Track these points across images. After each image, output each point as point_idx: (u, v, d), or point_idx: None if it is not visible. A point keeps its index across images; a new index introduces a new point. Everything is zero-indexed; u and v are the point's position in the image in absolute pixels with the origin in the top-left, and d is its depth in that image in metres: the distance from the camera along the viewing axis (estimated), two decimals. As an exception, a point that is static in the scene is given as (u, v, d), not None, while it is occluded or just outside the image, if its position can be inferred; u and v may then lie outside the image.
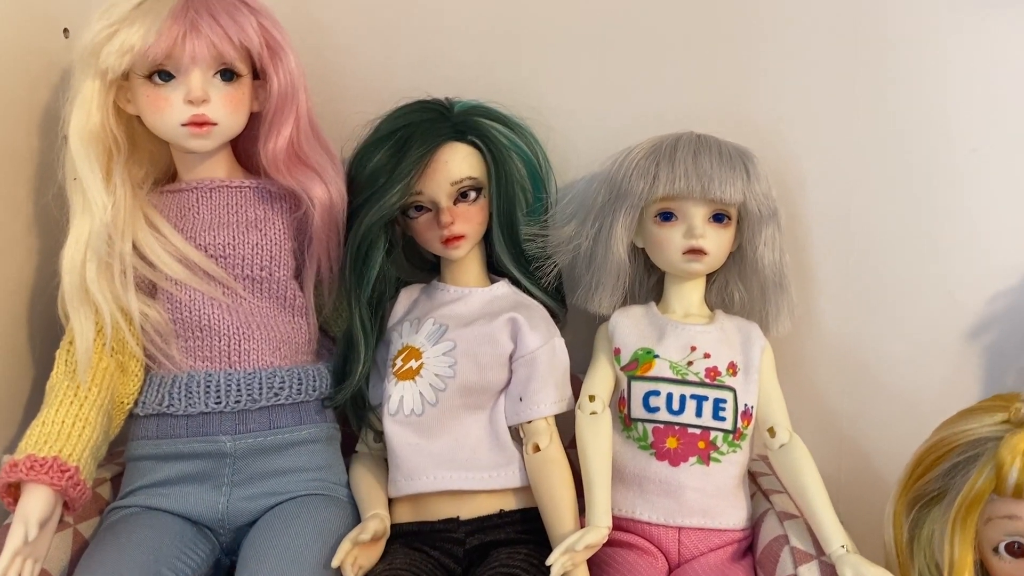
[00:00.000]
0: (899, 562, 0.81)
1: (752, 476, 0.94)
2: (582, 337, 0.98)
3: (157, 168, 0.93)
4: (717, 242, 0.91)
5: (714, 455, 0.88)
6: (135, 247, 0.87)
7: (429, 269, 1.00)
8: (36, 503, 0.79)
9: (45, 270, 0.93)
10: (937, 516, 0.79)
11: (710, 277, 0.96)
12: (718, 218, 0.91)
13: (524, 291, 0.96)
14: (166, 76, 0.86)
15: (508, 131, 0.96)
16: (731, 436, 0.89)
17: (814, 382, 1.06)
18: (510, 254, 0.95)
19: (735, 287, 0.96)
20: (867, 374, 1.05)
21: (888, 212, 1.03)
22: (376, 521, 0.85)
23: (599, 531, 0.83)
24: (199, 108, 0.86)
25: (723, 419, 0.89)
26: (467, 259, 0.95)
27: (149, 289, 0.89)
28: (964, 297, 1.04)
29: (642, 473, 0.89)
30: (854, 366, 1.05)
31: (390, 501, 0.91)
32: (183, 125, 0.86)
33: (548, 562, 0.80)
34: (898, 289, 1.04)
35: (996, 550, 0.77)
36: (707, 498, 0.88)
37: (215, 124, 0.87)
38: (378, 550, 0.86)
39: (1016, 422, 0.76)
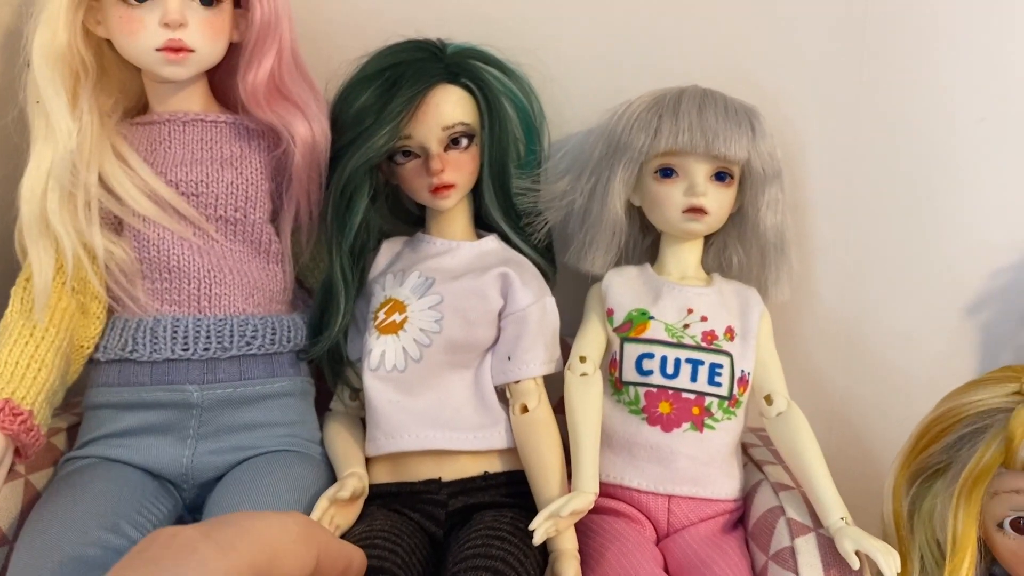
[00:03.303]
0: (898, 536, 0.79)
1: (743, 447, 0.91)
2: (572, 299, 0.94)
3: (127, 97, 0.87)
4: (718, 201, 0.87)
5: (708, 422, 0.85)
6: (101, 179, 0.81)
7: (413, 222, 0.95)
8: (-15, 447, 0.73)
9: (2, 200, 0.86)
10: (940, 490, 0.76)
11: (708, 239, 0.93)
12: (720, 176, 0.87)
13: (513, 247, 0.91)
14: None
15: (504, 77, 0.91)
16: (727, 403, 0.85)
17: (808, 354, 1.03)
18: (500, 207, 0.90)
19: (734, 250, 0.93)
20: (862, 348, 1.03)
21: (889, 184, 1.00)
22: (355, 479, 0.80)
23: (585, 496, 0.79)
24: (175, 32, 0.80)
25: (719, 385, 0.85)
26: (455, 211, 0.90)
27: (115, 226, 0.83)
28: (963, 273, 1.01)
29: (632, 439, 0.85)
30: (849, 339, 1.03)
31: (367, 461, 0.86)
32: (157, 50, 0.80)
33: (531, 527, 0.76)
34: (897, 262, 1.02)
35: (1001, 526, 0.75)
36: (699, 466, 0.84)
37: (192, 51, 0.81)
38: (356, 510, 0.81)
39: (1027, 394, 0.74)
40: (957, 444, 0.76)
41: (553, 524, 0.76)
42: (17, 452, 0.76)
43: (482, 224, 0.93)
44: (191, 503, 0.84)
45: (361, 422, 0.88)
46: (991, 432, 0.73)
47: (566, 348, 0.89)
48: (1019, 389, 0.74)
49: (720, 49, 0.99)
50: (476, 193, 0.91)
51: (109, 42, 0.83)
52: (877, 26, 0.98)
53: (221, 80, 0.88)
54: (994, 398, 0.75)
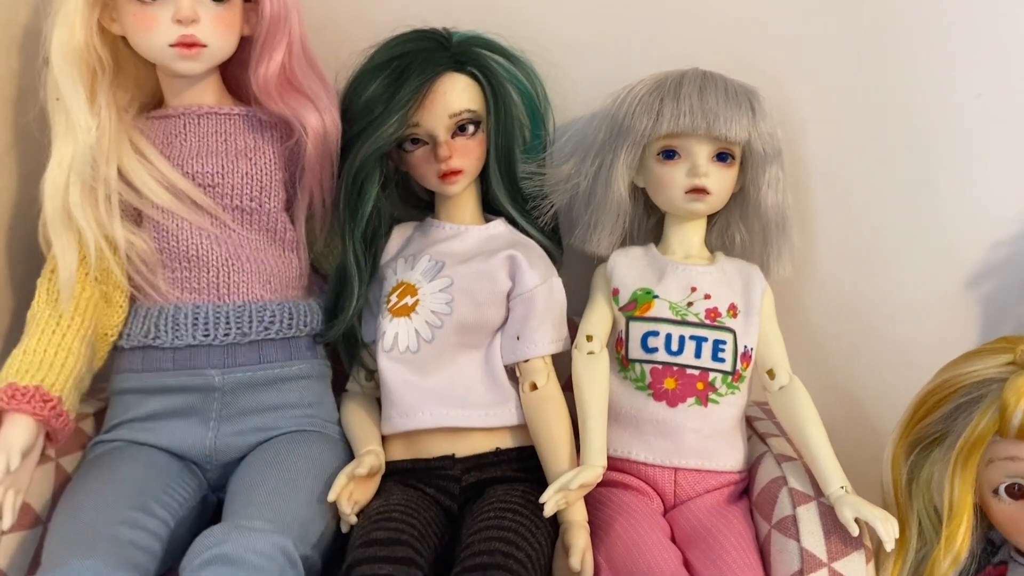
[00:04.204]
0: (897, 504, 0.81)
1: (748, 421, 0.93)
2: (579, 279, 0.96)
3: (143, 92, 0.90)
4: (720, 182, 0.89)
5: (712, 396, 0.87)
6: (120, 173, 0.84)
7: (423, 208, 0.98)
8: (18, 432, 0.76)
9: (26, 195, 0.89)
10: (938, 458, 0.79)
11: (711, 219, 0.95)
12: (722, 157, 0.89)
13: (520, 230, 0.94)
14: None
15: (508, 64, 0.93)
16: (730, 378, 0.88)
17: (810, 328, 1.05)
18: (507, 192, 0.93)
19: (736, 229, 0.95)
20: (864, 322, 1.05)
21: (889, 159, 1.01)
22: (372, 456, 0.84)
23: (594, 470, 0.81)
24: (188, 28, 0.82)
25: (722, 360, 0.87)
26: (463, 196, 0.93)
27: (135, 217, 0.86)
28: (963, 246, 1.03)
29: (639, 414, 0.87)
30: (851, 313, 1.05)
31: (384, 439, 0.89)
32: (171, 46, 0.83)
33: (542, 500, 0.79)
34: (897, 236, 1.03)
35: (996, 492, 0.77)
36: (704, 439, 0.87)
37: (204, 46, 0.83)
38: (373, 485, 0.84)
39: (1021, 363, 0.76)
40: (954, 414, 0.78)
41: (563, 496, 0.79)
42: (48, 437, 0.80)
43: (490, 208, 0.95)
44: (215, 483, 0.87)
45: (377, 402, 0.91)
46: (986, 401, 0.76)
47: (573, 327, 0.92)
48: (1013, 359, 0.76)
49: (721, 31, 1.00)
50: (483, 178, 0.94)
51: (124, 39, 0.85)
52: (875, 5, 0.99)
53: (234, 73, 0.91)
54: (989, 368, 0.77)
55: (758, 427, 0.93)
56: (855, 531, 0.77)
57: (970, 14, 0.98)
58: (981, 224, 1.02)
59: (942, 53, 0.99)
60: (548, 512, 0.78)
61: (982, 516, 0.80)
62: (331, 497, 0.79)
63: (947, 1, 0.98)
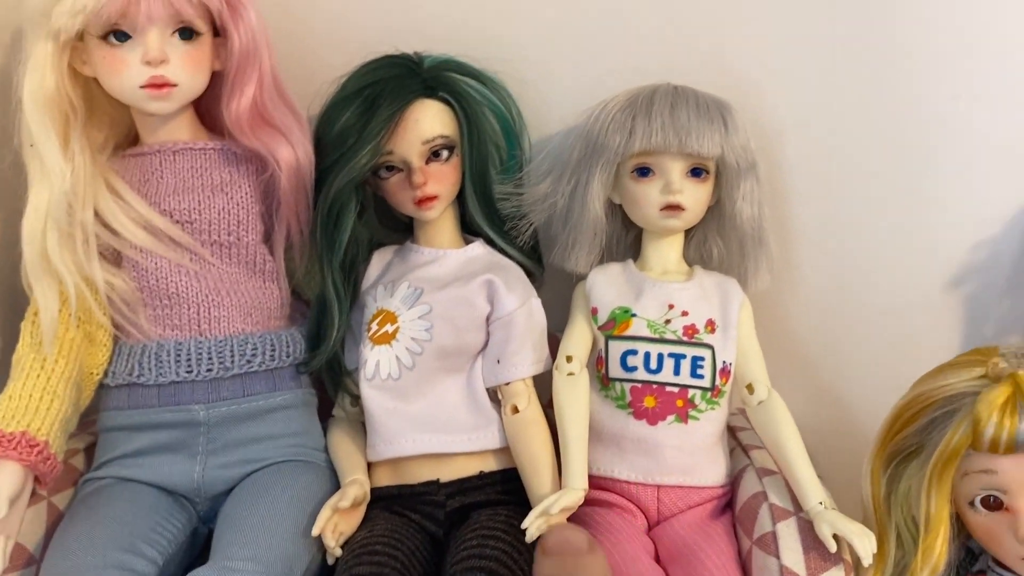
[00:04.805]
0: (876, 517, 0.82)
1: (732, 431, 0.94)
2: (561, 295, 0.96)
3: (118, 132, 0.90)
4: (695, 197, 0.90)
5: (692, 413, 0.88)
6: (97, 215, 0.84)
7: (403, 230, 0.98)
8: (5, 479, 0.78)
9: (6, 239, 0.90)
10: (914, 471, 0.79)
11: (688, 232, 0.95)
12: (696, 172, 0.90)
13: (500, 251, 0.94)
14: (122, 36, 0.82)
15: (480, 86, 0.94)
16: (709, 394, 0.88)
17: (793, 335, 1.05)
18: (484, 214, 0.93)
19: (713, 242, 0.95)
20: (847, 326, 1.05)
21: (869, 162, 1.01)
22: (356, 487, 0.85)
23: (575, 493, 0.82)
24: (158, 69, 0.83)
25: (701, 377, 0.88)
26: (441, 219, 0.93)
27: (114, 257, 0.87)
28: (944, 247, 1.03)
29: (620, 432, 0.88)
30: (833, 318, 1.05)
31: (369, 465, 0.90)
32: (142, 87, 0.83)
33: (523, 525, 0.80)
34: (878, 239, 1.03)
35: (972, 504, 0.78)
36: (685, 456, 0.88)
37: (175, 85, 0.84)
38: (358, 516, 0.86)
39: (993, 377, 0.76)
40: (928, 427, 0.78)
41: (545, 521, 0.80)
42: (37, 479, 0.81)
43: (469, 229, 0.96)
44: (205, 514, 0.88)
45: (363, 427, 0.92)
46: (959, 415, 0.76)
47: (556, 343, 0.92)
48: (986, 373, 0.77)
49: (696, 41, 0.99)
50: (461, 200, 0.94)
51: (97, 80, 0.85)
52: (848, 9, 0.98)
53: (208, 106, 0.91)
54: (962, 382, 0.77)
55: (742, 438, 0.94)
56: (833, 547, 0.78)
57: (947, 16, 0.98)
58: (960, 225, 1.02)
59: (919, 55, 0.99)
60: (530, 537, 0.79)
61: (961, 525, 0.80)
62: (315, 532, 0.80)
63: (923, 4, 0.98)
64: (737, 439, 0.94)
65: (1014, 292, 1.04)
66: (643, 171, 0.90)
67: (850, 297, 1.04)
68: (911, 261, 1.03)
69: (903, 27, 0.98)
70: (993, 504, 0.77)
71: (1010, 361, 0.77)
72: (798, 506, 0.82)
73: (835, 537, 0.78)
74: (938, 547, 0.78)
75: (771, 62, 1.00)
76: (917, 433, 0.79)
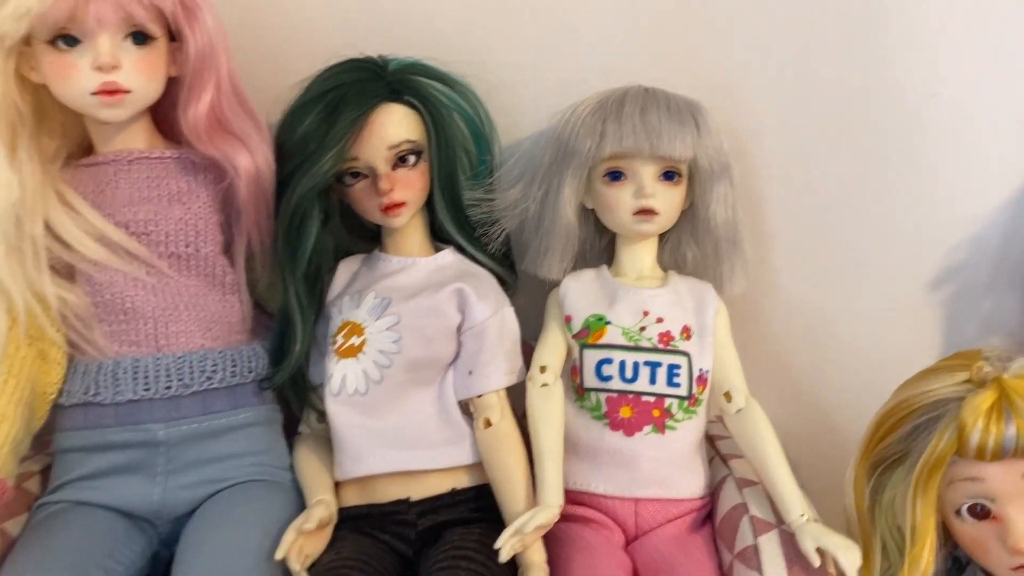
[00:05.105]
0: (860, 527, 0.79)
1: (710, 440, 0.92)
2: (535, 302, 0.94)
3: (70, 141, 0.87)
4: (668, 201, 0.87)
5: (669, 423, 0.85)
6: (48, 228, 0.81)
7: (370, 238, 0.95)
8: (-49, 507, 0.74)
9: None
10: (899, 480, 0.77)
11: (662, 237, 0.93)
12: (668, 176, 0.87)
13: (471, 259, 0.91)
14: (71, 41, 0.79)
15: (448, 89, 0.91)
16: (686, 402, 0.86)
17: (771, 340, 1.03)
18: (454, 220, 0.90)
19: (688, 246, 0.93)
20: (825, 330, 1.03)
21: (845, 163, 1.00)
22: (321, 508, 0.81)
23: (550, 510, 0.80)
24: (109, 75, 0.80)
25: (678, 385, 0.86)
26: (409, 227, 0.90)
27: (67, 272, 0.84)
28: (924, 248, 1.02)
29: (596, 444, 0.86)
30: (812, 322, 1.03)
31: (336, 484, 0.87)
32: (93, 94, 0.80)
33: (496, 545, 0.77)
34: (856, 241, 1.02)
35: (958, 512, 0.76)
36: (663, 467, 0.85)
37: (128, 91, 0.81)
38: (325, 538, 0.82)
39: (978, 381, 0.74)
40: (912, 434, 0.76)
41: (519, 540, 0.78)
42: (-13, 506, 0.78)
43: (439, 237, 0.93)
44: (166, 537, 0.85)
45: (330, 443, 0.88)
46: (944, 422, 0.74)
47: (530, 352, 0.90)
48: (970, 377, 0.74)
49: (666, 43, 0.97)
50: (430, 207, 0.91)
51: (47, 86, 0.82)
52: (823, 8, 0.96)
53: (165, 113, 0.88)
54: (945, 387, 0.75)
55: (721, 447, 0.91)
56: (816, 561, 0.75)
57: (923, 14, 0.96)
58: (939, 226, 1.01)
59: (893, 54, 0.97)
60: (504, 557, 0.77)
61: (947, 534, 0.78)
62: (279, 555, 0.77)
63: (899, 2, 0.96)
64: (716, 448, 0.92)
65: (995, 292, 1.02)
66: (615, 175, 0.88)
67: (828, 301, 1.03)
68: (890, 262, 1.02)
69: (878, 26, 0.97)
70: (980, 513, 0.75)
71: (994, 365, 0.75)
72: (780, 518, 0.80)
73: (819, 551, 0.76)
74: (925, 557, 0.75)
75: (744, 62, 0.98)
76: (901, 440, 0.77)
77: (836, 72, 0.98)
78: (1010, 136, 0.99)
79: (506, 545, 0.77)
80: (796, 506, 0.79)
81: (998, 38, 0.97)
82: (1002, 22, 0.97)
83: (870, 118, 0.99)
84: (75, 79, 0.80)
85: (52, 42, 0.79)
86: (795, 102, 0.98)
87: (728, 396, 0.87)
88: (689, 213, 0.91)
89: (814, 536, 0.76)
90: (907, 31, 0.97)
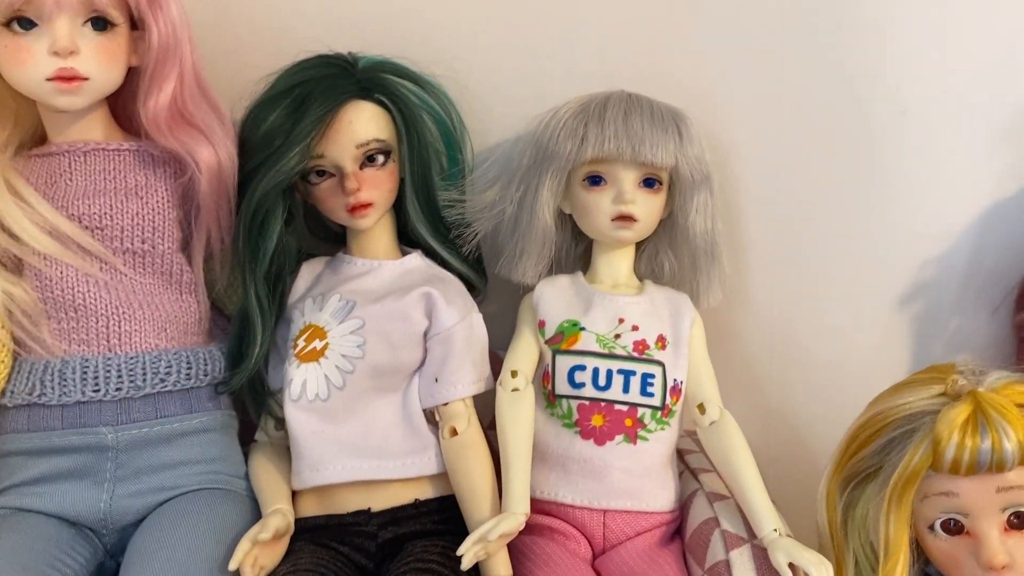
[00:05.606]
0: (833, 543, 0.78)
1: (680, 454, 0.90)
2: (505, 310, 0.92)
3: (23, 129, 0.84)
4: (647, 208, 0.86)
5: (641, 433, 0.83)
6: None
7: (334, 240, 0.93)
8: None
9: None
10: (872, 494, 0.76)
11: (640, 245, 0.91)
12: (649, 183, 0.86)
13: (441, 263, 0.89)
14: (27, 24, 0.76)
15: (418, 89, 0.89)
16: (659, 413, 0.84)
17: (743, 353, 1.02)
18: (427, 222, 0.88)
19: (665, 256, 0.91)
20: (797, 345, 1.03)
21: (819, 178, 0.99)
22: (278, 517, 0.78)
23: (515, 518, 0.77)
24: (66, 60, 0.77)
25: (651, 395, 0.84)
26: (376, 229, 0.88)
27: (14, 265, 0.80)
28: (894, 265, 1.02)
29: (566, 453, 0.83)
30: (784, 337, 1.03)
31: (294, 494, 0.83)
32: (48, 80, 0.77)
33: (459, 552, 0.74)
34: (826, 259, 1.01)
35: (932, 528, 0.74)
36: (634, 479, 0.83)
37: (86, 79, 0.78)
38: (281, 548, 0.79)
39: (953, 395, 0.73)
40: (886, 448, 0.75)
41: (482, 548, 0.75)
42: (-81, 513, 0.73)
43: (407, 240, 0.91)
44: (113, 547, 0.81)
45: (287, 452, 0.85)
46: (918, 435, 0.73)
47: (498, 362, 0.87)
48: (945, 391, 0.74)
49: (642, 52, 0.97)
50: (400, 210, 0.89)
51: (0, 71, 0.79)
52: (798, 24, 0.96)
53: (124, 104, 0.85)
54: (921, 401, 0.74)
55: (690, 461, 0.90)
56: (789, 577, 0.74)
57: (894, 32, 0.96)
58: (909, 242, 1.01)
59: (864, 70, 0.97)
60: (466, 565, 0.74)
61: (919, 551, 0.77)
62: (232, 566, 0.73)
63: (872, 20, 0.96)
64: (685, 462, 0.90)
65: (963, 309, 1.03)
66: (595, 180, 0.86)
67: (801, 314, 1.02)
68: (862, 278, 1.01)
69: (851, 43, 0.97)
70: (954, 528, 0.74)
71: (969, 378, 0.74)
72: (752, 533, 0.78)
73: (791, 566, 0.74)
74: (898, 573, 0.74)
75: (723, 77, 0.97)
76: (874, 454, 0.76)
77: (807, 88, 0.97)
78: (980, 154, 0.99)
79: (469, 552, 0.74)
80: (769, 521, 0.77)
81: (967, 57, 0.98)
82: (972, 41, 0.97)
83: (840, 135, 0.99)
84: (30, 64, 0.76)
85: (7, 24, 0.76)
86: (767, 119, 0.98)
87: (702, 408, 0.86)
88: (668, 222, 0.90)
89: (787, 551, 0.74)
90: (878, 49, 0.97)
